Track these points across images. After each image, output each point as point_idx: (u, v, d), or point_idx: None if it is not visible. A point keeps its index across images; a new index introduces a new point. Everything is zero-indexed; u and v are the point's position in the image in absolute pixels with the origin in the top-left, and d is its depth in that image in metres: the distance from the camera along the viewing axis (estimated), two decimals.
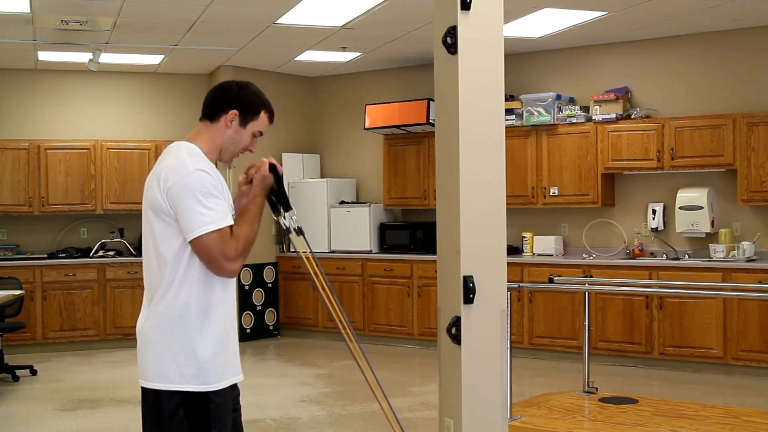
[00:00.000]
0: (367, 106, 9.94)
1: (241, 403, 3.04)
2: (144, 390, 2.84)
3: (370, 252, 9.87)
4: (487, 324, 3.32)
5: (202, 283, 2.78)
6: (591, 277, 7.89)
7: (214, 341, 2.80)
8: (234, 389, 2.95)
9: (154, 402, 2.81)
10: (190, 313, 2.77)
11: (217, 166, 2.91)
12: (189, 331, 2.77)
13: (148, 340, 2.84)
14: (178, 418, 2.77)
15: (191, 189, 2.71)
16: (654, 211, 8.51)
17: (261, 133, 2.98)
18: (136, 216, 10.19)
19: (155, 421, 2.82)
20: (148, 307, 2.85)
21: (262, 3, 7.21)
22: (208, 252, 2.72)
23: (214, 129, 2.92)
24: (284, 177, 3.08)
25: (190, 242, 2.72)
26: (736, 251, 7.93)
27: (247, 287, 10.08)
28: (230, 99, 2.92)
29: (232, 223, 2.78)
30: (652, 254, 8.56)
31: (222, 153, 2.94)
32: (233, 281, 2.90)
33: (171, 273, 2.77)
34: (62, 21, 7.60)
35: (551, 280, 5.99)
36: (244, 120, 2.92)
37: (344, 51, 9.30)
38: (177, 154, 2.82)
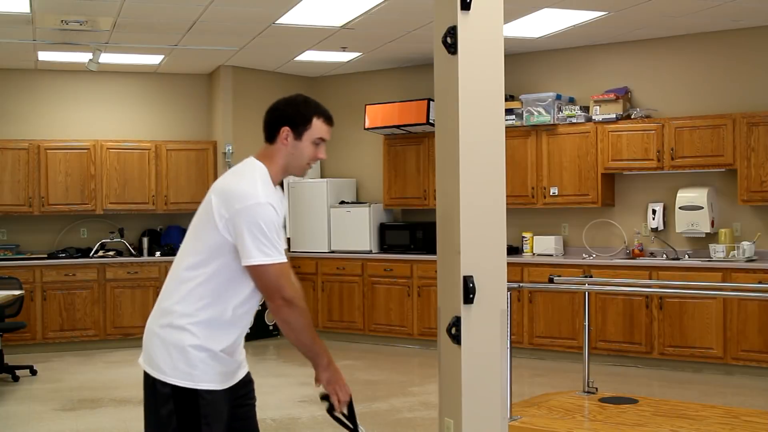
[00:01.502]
0: (367, 106, 9.94)
1: (255, 395, 3.06)
2: (144, 371, 2.89)
3: (370, 252, 9.87)
4: (487, 324, 3.32)
5: (215, 301, 2.82)
6: (591, 277, 7.89)
7: (212, 354, 2.83)
8: (247, 385, 2.99)
9: (152, 386, 2.86)
10: (192, 323, 2.81)
11: (283, 185, 2.94)
12: (187, 338, 2.80)
13: (150, 330, 2.90)
14: (168, 408, 2.80)
15: (259, 220, 2.75)
16: (654, 211, 8.51)
17: (323, 140, 2.98)
18: (136, 216, 10.30)
19: (149, 404, 2.89)
20: (159, 301, 2.91)
21: (262, 3, 7.21)
22: (267, 280, 2.79)
23: (274, 150, 2.95)
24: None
25: (249, 267, 2.78)
26: (736, 251, 7.93)
27: None
28: (279, 117, 2.94)
29: (286, 260, 2.84)
30: (652, 254, 8.56)
31: (289, 170, 2.98)
32: (253, 309, 2.95)
33: (191, 278, 2.82)
34: (62, 21, 7.60)
35: (551, 280, 5.98)
36: (297, 133, 2.93)
37: (344, 51, 9.30)
38: (251, 176, 2.86)
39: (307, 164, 2.99)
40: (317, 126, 2.94)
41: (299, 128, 2.92)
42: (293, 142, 2.93)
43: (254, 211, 2.75)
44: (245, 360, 3.04)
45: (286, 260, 2.83)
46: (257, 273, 2.78)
